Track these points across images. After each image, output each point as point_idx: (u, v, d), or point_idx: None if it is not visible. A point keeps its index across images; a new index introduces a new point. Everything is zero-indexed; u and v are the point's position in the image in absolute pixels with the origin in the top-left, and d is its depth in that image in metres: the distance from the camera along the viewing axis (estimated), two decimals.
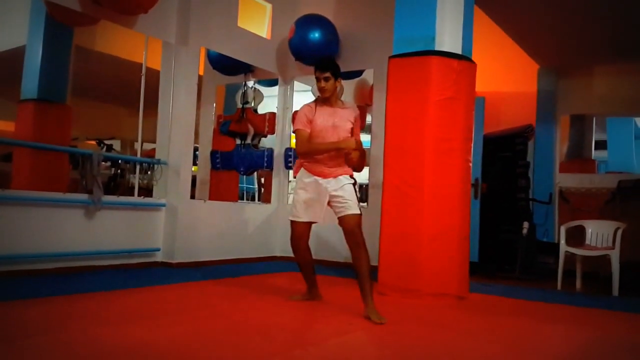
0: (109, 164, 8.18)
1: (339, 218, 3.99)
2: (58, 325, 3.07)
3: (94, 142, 8.97)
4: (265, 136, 7.56)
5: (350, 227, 3.93)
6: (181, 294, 4.38)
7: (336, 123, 3.95)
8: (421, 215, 4.72)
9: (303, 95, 8.11)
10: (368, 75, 7.38)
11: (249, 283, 5.10)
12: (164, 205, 5.93)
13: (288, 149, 7.24)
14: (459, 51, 4.91)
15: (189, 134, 6.17)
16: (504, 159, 7.38)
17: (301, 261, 4.22)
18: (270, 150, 7.28)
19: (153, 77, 6.14)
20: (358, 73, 7.38)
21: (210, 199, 7.09)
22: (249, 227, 6.91)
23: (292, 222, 4.11)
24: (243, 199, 9.88)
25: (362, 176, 7.77)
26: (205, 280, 5.09)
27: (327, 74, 3.89)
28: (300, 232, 4.11)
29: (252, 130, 7.38)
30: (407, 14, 5.05)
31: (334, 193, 3.95)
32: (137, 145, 6.27)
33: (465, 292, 4.82)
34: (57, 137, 6.75)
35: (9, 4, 7.00)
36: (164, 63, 6.23)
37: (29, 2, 6.89)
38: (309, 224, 4.11)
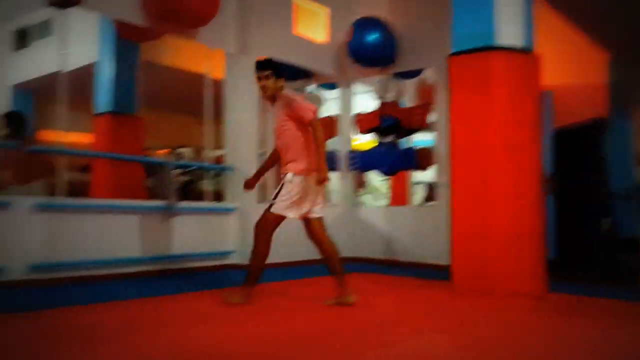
0: (180, 171, 8.50)
1: None
2: (138, 327, 3.23)
3: (165, 151, 9.33)
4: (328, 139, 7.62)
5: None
6: (256, 295, 4.49)
7: (275, 124, 4.05)
8: (493, 213, 4.65)
9: (363, 97, 8.16)
10: (428, 74, 7.34)
11: (321, 283, 5.14)
12: (234, 209, 6.11)
13: (351, 151, 7.28)
14: (520, 45, 4.81)
15: (254, 140, 6.32)
16: (578, 153, 7.13)
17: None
18: (333, 153, 7.34)
19: (218, 86, 6.34)
20: (417, 72, 7.35)
21: None
22: None
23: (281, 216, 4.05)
24: None
25: (430, 175, 7.75)
26: (277, 282, 5.20)
27: (267, 72, 3.92)
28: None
29: None
30: (464, 10, 4.98)
31: None
32: (206, 153, 6.49)
33: (543, 291, 4.69)
34: (132, 148, 7.10)
35: (80, 24, 7.38)
36: (227, 72, 6.44)
37: (98, 21, 7.28)
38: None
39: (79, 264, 4.75)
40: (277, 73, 3.96)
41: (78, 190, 7.23)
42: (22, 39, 9.17)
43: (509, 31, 4.77)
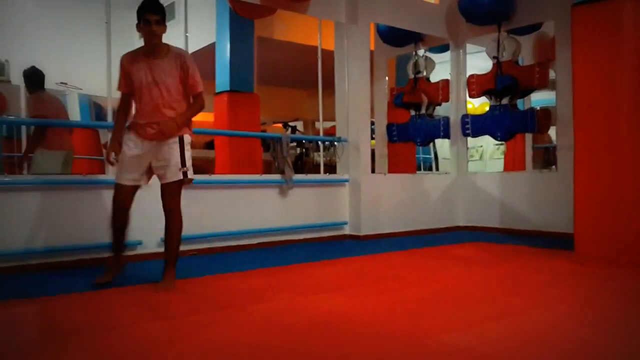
0: (295, 144, 8.78)
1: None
2: (265, 294, 3.43)
3: (279, 125, 9.67)
4: (440, 104, 7.44)
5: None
6: (370, 266, 4.59)
7: (156, 78, 3.50)
8: (621, 178, 4.32)
9: (476, 58, 7.81)
10: (547, 28, 6.85)
11: (434, 254, 5.15)
12: (347, 180, 6.23)
13: (464, 116, 7.05)
14: None
15: (365, 110, 6.34)
16: None
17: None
18: (446, 119, 7.16)
19: (329, 58, 6.41)
20: (536, 27, 6.88)
21: (389, 171, 7.25)
22: (430, 197, 6.93)
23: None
24: (420, 170, 9.90)
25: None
26: (391, 252, 5.26)
27: (159, 17, 3.45)
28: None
29: (425, 100, 7.33)
30: None
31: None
32: (319, 125, 6.62)
33: None
34: (249, 124, 7.46)
35: (197, 7, 7.77)
36: (337, 43, 6.48)
37: (214, 1, 7.62)
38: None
39: (204, 237, 5.12)
40: (164, 19, 3.51)
41: (205, 166, 7.76)
42: None
43: None
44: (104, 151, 3.70)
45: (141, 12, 3.45)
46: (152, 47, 3.51)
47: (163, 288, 3.49)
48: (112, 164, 3.66)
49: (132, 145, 3.59)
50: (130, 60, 3.55)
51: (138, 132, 3.59)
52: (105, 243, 3.96)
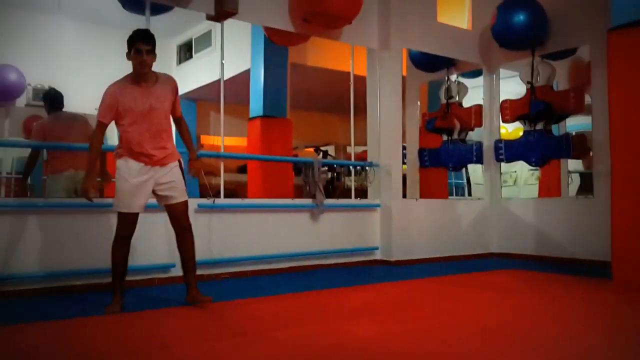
0: (326, 168, 8.83)
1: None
2: (294, 320, 3.44)
3: (311, 150, 9.75)
4: (472, 129, 7.40)
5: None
6: (402, 292, 4.54)
7: (153, 105, 3.58)
8: None
9: (510, 83, 7.76)
10: (583, 53, 6.77)
11: (467, 281, 5.07)
12: (378, 205, 6.21)
13: (498, 141, 6.98)
14: None
15: (397, 135, 6.35)
16: None
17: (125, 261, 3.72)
18: (479, 144, 7.10)
19: (360, 83, 6.47)
20: (571, 51, 6.81)
21: (421, 196, 7.21)
22: (462, 223, 6.85)
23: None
24: (452, 195, 9.81)
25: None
26: (423, 278, 5.20)
27: (150, 47, 3.52)
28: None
29: (458, 125, 7.30)
30: None
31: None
32: (350, 149, 6.66)
33: None
34: (281, 149, 7.56)
35: (234, 34, 7.98)
36: (369, 68, 6.54)
37: (250, 29, 7.81)
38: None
39: (236, 260, 5.17)
40: (154, 49, 3.59)
41: (237, 190, 7.87)
42: (186, 52, 10.16)
43: None
44: (82, 186, 3.66)
45: (132, 42, 3.54)
46: (143, 76, 3.59)
47: (203, 300, 3.69)
48: (91, 200, 3.63)
49: (134, 173, 3.61)
50: (120, 90, 3.56)
51: (140, 159, 3.62)
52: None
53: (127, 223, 3.63)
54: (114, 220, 3.74)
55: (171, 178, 3.69)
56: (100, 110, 3.55)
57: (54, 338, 2.99)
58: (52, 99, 5.35)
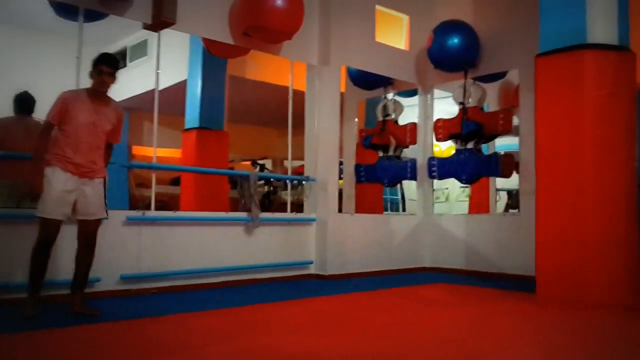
0: (262, 182, 8.75)
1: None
2: (227, 335, 3.35)
3: (248, 163, 9.64)
4: (407, 147, 7.56)
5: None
6: (337, 306, 4.53)
7: (97, 122, 3.79)
8: (583, 221, 4.42)
9: (443, 103, 8.01)
10: (512, 76, 7.10)
11: (400, 294, 5.13)
12: (314, 219, 6.20)
13: (431, 159, 7.17)
14: (615, 42, 4.55)
15: (334, 150, 6.39)
16: None
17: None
18: (414, 161, 7.26)
19: (299, 98, 6.47)
20: (501, 75, 7.12)
21: (356, 211, 7.26)
22: (396, 238, 6.95)
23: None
24: (387, 210, 9.96)
25: (512, 182, 7.46)
26: (358, 292, 5.22)
27: (112, 71, 3.80)
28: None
29: (394, 142, 7.44)
30: (554, 7, 4.79)
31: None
32: (287, 164, 6.63)
33: (634, 302, 4.39)
34: (217, 161, 7.41)
35: (171, 45, 7.83)
36: (308, 84, 6.56)
37: (188, 39, 7.67)
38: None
39: (167, 275, 4.99)
40: (116, 73, 3.85)
41: (170, 202, 7.64)
42: (120, 60, 9.84)
43: (602, 28, 4.54)
44: (33, 182, 3.57)
45: (98, 63, 3.80)
46: (99, 95, 3.85)
47: (92, 313, 3.74)
48: (39, 196, 3.62)
49: (63, 180, 3.67)
50: (73, 98, 3.77)
51: (69, 168, 3.69)
52: (64, 280, 3.81)
53: (50, 229, 3.64)
54: (33, 233, 3.57)
55: (93, 193, 3.79)
56: (51, 112, 3.71)
57: None
58: (20, 101, 5.22)
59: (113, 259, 4.63)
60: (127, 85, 9.25)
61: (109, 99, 3.94)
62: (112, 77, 3.83)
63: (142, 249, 4.84)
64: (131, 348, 2.98)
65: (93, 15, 4.98)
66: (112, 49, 9.80)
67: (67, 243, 3.89)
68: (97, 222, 3.83)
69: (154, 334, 3.35)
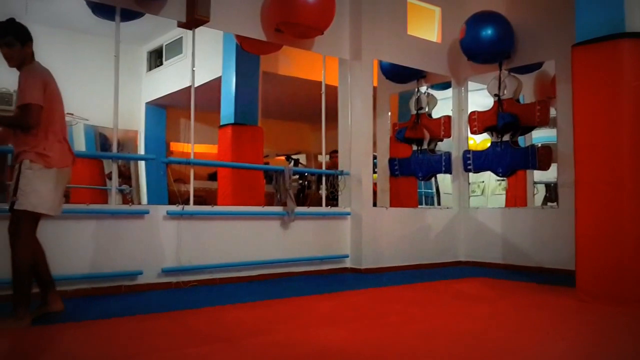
0: (297, 176, 8.82)
1: None
2: (264, 328, 3.41)
3: (283, 158, 9.73)
4: (442, 140, 7.51)
5: None
6: (372, 299, 4.56)
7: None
8: (622, 214, 4.32)
9: (478, 95, 7.92)
10: (548, 67, 6.97)
11: (435, 289, 5.12)
12: (349, 213, 6.24)
13: (466, 152, 7.11)
14: None
15: (368, 144, 6.41)
16: None
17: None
18: (448, 154, 7.21)
19: (332, 93, 6.51)
20: (537, 65, 7.00)
21: (391, 205, 7.27)
22: (431, 232, 6.93)
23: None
24: (422, 204, 9.91)
25: (550, 175, 7.34)
26: (393, 286, 5.23)
27: (9, 39, 3.23)
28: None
29: (427, 136, 7.40)
30: None
31: None
32: (321, 158, 6.68)
33: None
34: (252, 156, 7.52)
35: (205, 43, 7.95)
36: (340, 79, 6.59)
37: (221, 36, 7.78)
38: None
39: (205, 268, 5.11)
40: (23, 38, 3.28)
41: (207, 197, 7.79)
42: (156, 58, 10.06)
43: None
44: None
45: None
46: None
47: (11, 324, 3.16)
48: None
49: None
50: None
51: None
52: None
53: (36, 225, 3.31)
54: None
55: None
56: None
57: None
58: None
59: (154, 252, 4.77)
60: (163, 83, 9.48)
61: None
62: (8, 47, 3.25)
63: (181, 242, 4.97)
64: (171, 339, 3.08)
65: (129, 15, 5.10)
66: (149, 47, 10.04)
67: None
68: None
69: (194, 325, 3.45)
